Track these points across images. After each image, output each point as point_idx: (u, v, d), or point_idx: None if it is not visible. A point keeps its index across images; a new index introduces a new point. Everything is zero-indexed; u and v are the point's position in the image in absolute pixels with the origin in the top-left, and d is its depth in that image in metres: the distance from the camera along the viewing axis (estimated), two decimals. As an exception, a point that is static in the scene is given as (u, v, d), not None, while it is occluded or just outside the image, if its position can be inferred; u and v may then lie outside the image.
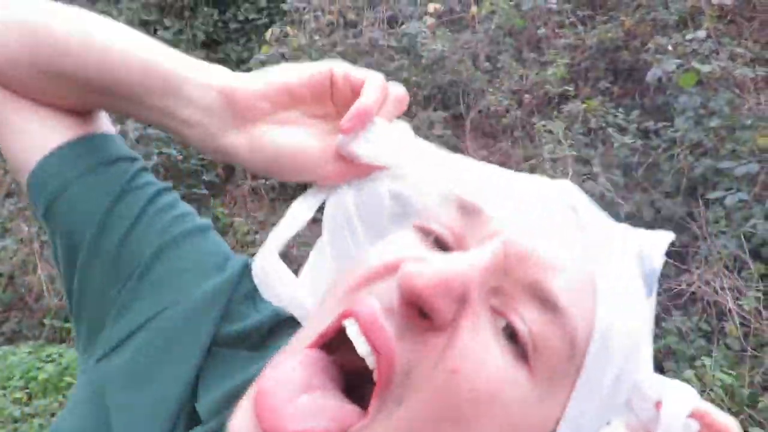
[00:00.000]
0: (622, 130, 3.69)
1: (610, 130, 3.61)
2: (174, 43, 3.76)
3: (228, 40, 6.39)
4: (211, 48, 6.34)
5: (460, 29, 5.17)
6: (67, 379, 3.39)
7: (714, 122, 3.16)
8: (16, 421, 3.01)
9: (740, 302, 2.67)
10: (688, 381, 2.33)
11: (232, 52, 6.29)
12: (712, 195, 2.98)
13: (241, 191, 4.85)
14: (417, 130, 2.71)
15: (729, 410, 2.42)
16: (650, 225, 3.23)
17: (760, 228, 2.68)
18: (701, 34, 3.27)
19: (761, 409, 2.40)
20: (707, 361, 2.52)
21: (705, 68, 3.13)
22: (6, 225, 4.73)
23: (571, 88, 3.88)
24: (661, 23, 4.02)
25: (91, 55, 0.55)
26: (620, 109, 3.87)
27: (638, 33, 4.20)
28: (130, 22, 6.13)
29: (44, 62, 0.56)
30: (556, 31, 4.42)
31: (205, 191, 4.73)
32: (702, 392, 2.45)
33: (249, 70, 3.42)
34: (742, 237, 2.80)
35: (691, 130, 3.39)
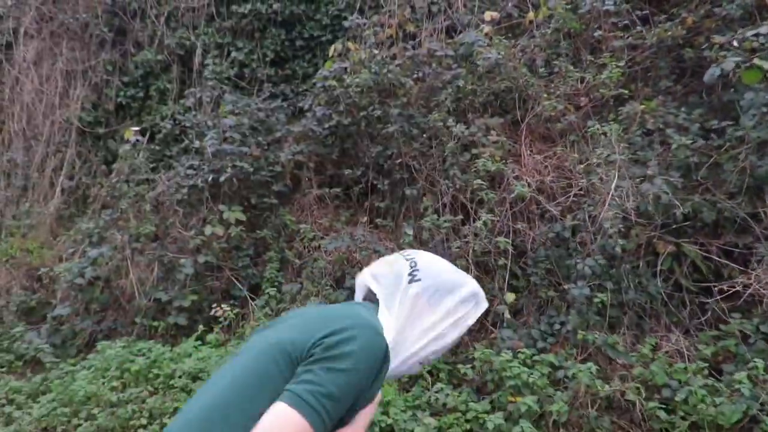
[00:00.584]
0: (683, 130, 3.63)
1: (669, 130, 3.56)
2: (245, 63, 4.14)
3: (294, 57, 6.75)
4: (278, 65, 6.72)
5: (517, 35, 5.23)
6: (155, 371, 3.77)
7: (777, 120, 3.06)
8: (113, 405, 3.39)
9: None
10: (739, 382, 2.32)
11: (298, 68, 6.64)
12: (772, 194, 2.90)
13: (308, 200, 5.13)
14: (473, 135, 2.88)
15: (788, 413, 2.37)
16: (711, 227, 3.21)
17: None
18: (764, 29, 3.17)
19: (822, 412, 2.33)
20: (760, 363, 2.47)
21: (767, 65, 3.05)
22: (103, 234, 5.26)
23: (626, 91, 3.84)
24: (727, 18, 3.91)
25: None
26: (682, 109, 3.79)
27: (702, 29, 4.10)
28: (205, 46, 6.63)
29: None
30: (614, 32, 4.38)
31: (274, 200, 5.05)
32: (751, 391, 2.42)
33: (314, 84, 3.73)
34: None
35: (757, 127, 3.29)
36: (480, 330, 3.67)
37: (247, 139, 5.29)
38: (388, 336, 1.15)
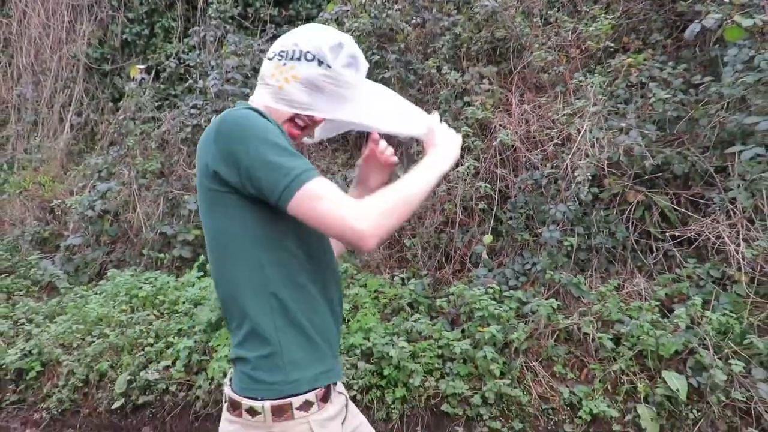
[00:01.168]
0: (666, 84, 3.74)
1: (651, 84, 3.67)
2: (249, 2, 4.30)
3: (299, -2, 6.76)
4: (282, 5, 6.73)
5: (517, -17, 5.22)
6: (161, 297, 4.10)
7: (750, 77, 3.18)
8: (123, 325, 3.74)
9: (751, 252, 2.81)
10: (679, 317, 2.59)
11: (302, 8, 6.66)
12: (731, 150, 3.07)
13: (306, 142, 5.31)
14: (467, 83, 3.08)
15: (718, 346, 2.65)
16: (681, 178, 3.40)
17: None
18: (748, -14, 3.24)
19: (746, 345, 2.61)
20: (698, 300, 2.73)
21: (746, 22, 3.13)
22: (111, 170, 5.51)
23: (612, 44, 3.93)
24: (720, -28, 3.92)
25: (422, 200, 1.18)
26: (669, 63, 3.88)
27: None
28: (209, -17, 6.62)
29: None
30: (611, -18, 4.40)
31: (281, 141, 5.24)
32: (689, 328, 2.69)
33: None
34: (759, 190, 2.91)
35: (734, 84, 3.41)
36: (461, 269, 3.96)
37: (249, 80, 5.43)
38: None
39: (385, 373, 2.98)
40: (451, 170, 2.58)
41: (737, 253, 2.88)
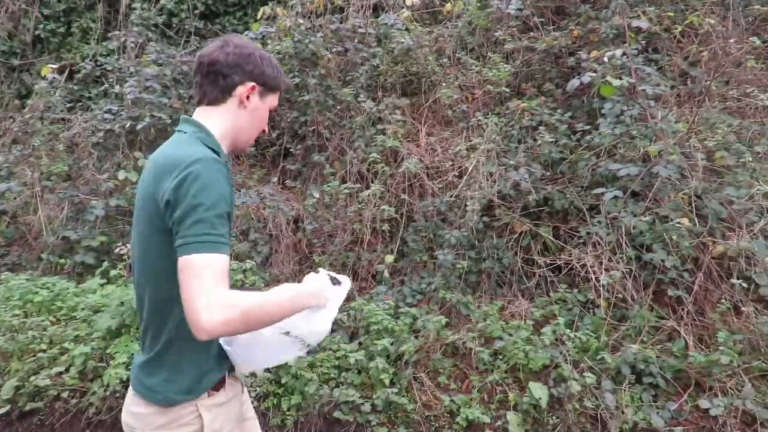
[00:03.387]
0: (554, 129, 4.22)
1: (541, 128, 4.13)
2: (174, 12, 4.39)
3: (225, 13, 6.85)
4: (209, 19, 6.79)
5: (439, 21, 5.65)
6: (58, 303, 4.00)
7: (618, 130, 3.69)
8: (14, 330, 3.62)
9: (609, 279, 3.26)
10: (546, 334, 2.95)
11: (228, 24, 6.75)
12: (597, 191, 3.55)
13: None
14: (381, 112, 3.37)
15: (577, 361, 3.05)
16: (561, 213, 3.83)
17: (626, 221, 3.26)
18: (618, 52, 3.77)
19: (599, 360, 3.02)
20: (561, 321, 3.13)
21: (616, 82, 3.65)
22: (12, 169, 5.28)
23: (507, 90, 4.38)
24: (603, 36, 4.50)
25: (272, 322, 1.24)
26: (558, 110, 4.38)
27: (587, 42, 4.69)
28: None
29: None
30: (514, 34, 4.90)
31: (190, 153, 5.26)
32: (555, 345, 3.08)
33: None
34: (620, 227, 3.38)
35: (608, 135, 3.92)
36: (366, 287, 4.19)
37: (169, 91, 5.44)
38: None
39: (283, 381, 3.12)
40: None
41: (598, 281, 3.31)
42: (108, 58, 6.08)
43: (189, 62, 5.83)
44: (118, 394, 3.26)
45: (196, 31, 6.59)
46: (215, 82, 1.35)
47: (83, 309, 3.85)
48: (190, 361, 1.34)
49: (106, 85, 5.70)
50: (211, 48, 1.37)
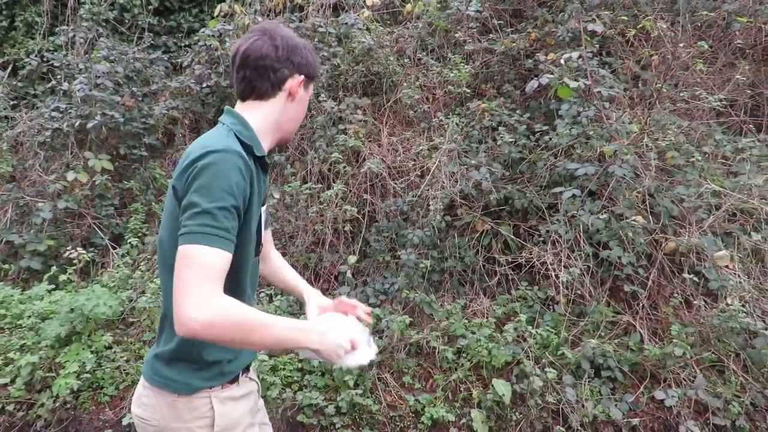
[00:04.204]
0: (514, 130, 4.29)
1: (500, 128, 4.19)
2: (127, 7, 4.21)
3: (180, 9, 6.66)
4: (163, 15, 6.59)
5: (395, 24, 5.66)
6: (2, 311, 3.79)
7: (575, 130, 3.78)
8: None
9: (567, 276, 3.32)
10: (508, 331, 2.99)
11: (184, 21, 6.57)
12: (555, 190, 3.62)
13: (180, 155, 5.24)
14: (342, 112, 3.33)
15: (538, 357, 3.09)
16: (521, 212, 3.89)
17: (584, 219, 3.34)
18: (575, 54, 3.86)
19: (559, 356, 3.08)
20: (523, 317, 3.18)
21: (573, 84, 3.73)
22: (-50, 169, 4.97)
23: (468, 90, 4.43)
24: (559, 39, 4.61)
25: (251, 347, 1.17)
26: (517, 111, 4.45)
27: (544, 45, 4.78)
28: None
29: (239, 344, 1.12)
30: (474, 36, 4.95)
31: (144, 153, 5.10)
32: (517, 341, 3.12)
33: (198, 41, 3.95)
34: (578, 225, 3.46)
35: (565, 135, 4.01)
36: (329, 288, 4.14)
37: (121, 88, 5.25)
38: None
39: (244, 386, 3.04)
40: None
41: (557, 278, 3.38)
42: (55, 53, 5.82)
43: (142, 59, 5.65)
44: (68, 405, 3.12)
45: (149, 28, 6.39)
46: (265, 77, 1.31)
47: (29, 317, 3.66)
48: (210, 352, 1.32)
49: (54, 82, 5.45)
50: (256, 40, 1.31)
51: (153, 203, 4.86)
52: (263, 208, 1.42)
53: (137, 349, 3.40)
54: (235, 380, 1.40)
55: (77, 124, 4.81)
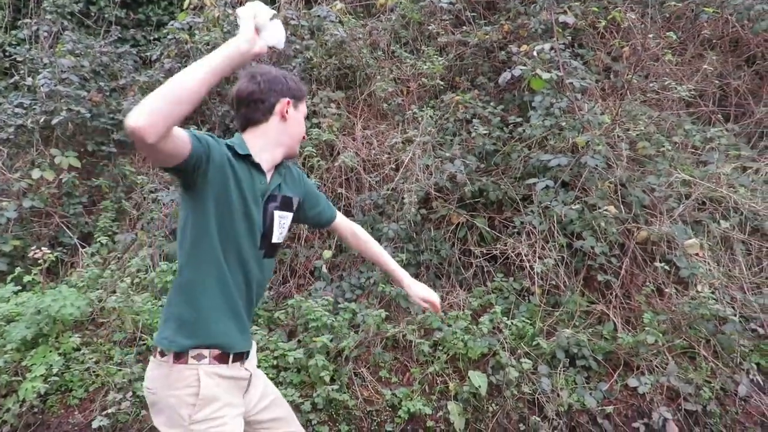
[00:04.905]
0: (488, 122, 4.28)
1: (475, 120, 4.18)
2: (92, 1, 4.05)
3: (149, 2, 6.50)
4: (131, 7, 6.42)
5: (368, 16, 5.61)
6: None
7: (548, 122, 3.79)
8: None
9: (542, 266, 3.34)
10: (484, 323, 2.99)
11: (153, 14, 6.42)
12: (529, 181, 3.63)
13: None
14: (316, 106, 3.26)
15: (514, 348, 3.11)
16: (496, 204, 3.89)
17: (557, 210, 3.36)
18: (547, 46, 3.87)
19: (534, 346, 3.10)
20: (498, 309, 3.18)
21: (545, 75, 3.74)
22: None
23: (441, 82, 4.42)
24: (531, 31, 4.62)
25: (195, 95, 1.24)
26: (491, 103, 4.45)
27: (517, 37, 4.79)
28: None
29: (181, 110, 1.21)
30: (447, 28, 4.94)
31: (113, 149, 4.98)
32: (493, 333, 3.13)
33: (167, 34, 3.84)
34: (552, 216, 3.47)
35: (538, 126, 4.02)
36: (305, 283, 4.10)
37: (88, 83, 5.11)
38: None
39: (218, 385, 2.99)
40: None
41: (532, 269, 3.39)
42: (18, 48, 5.64)
43: (109, 53, 5.51)
44: (35, 410, 3.03)
45: (117, 21, 6.22)
46: (256, 108, 1.59)
47: (-6, 319, 3.54)
48: (200, 302, 1.50)
49: (17, 77, 5.28)
50: (243, 83, 1.61)
51: (123, 200, 4.75)
52: (277, 212, 1.64)
53: (107, 350, 3.32)
54: (225, 360, 1.53)
55: (42, 120, 4.66)
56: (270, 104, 1.59)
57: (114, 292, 3.70)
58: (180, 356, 1.49)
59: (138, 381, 3.06)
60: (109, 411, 2.94)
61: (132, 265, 4.00)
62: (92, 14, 6.26)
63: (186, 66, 4.00)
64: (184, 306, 1.51)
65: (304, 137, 1.73)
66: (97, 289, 3.83)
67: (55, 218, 4.67)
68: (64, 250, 4.45)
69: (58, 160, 4.63)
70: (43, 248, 3.70)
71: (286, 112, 1.61)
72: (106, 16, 6.23)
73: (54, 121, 4.55)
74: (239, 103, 1.60)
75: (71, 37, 5.41)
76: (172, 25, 5.20)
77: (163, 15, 6.43)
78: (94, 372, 3.18)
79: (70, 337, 3.29)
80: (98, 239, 4.38)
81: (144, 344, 3.36)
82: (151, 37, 6.25)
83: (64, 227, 4.63)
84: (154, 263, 4.10)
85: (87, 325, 3.58)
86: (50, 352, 3.20)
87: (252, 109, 1.59)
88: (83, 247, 4.47)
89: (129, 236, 4.44)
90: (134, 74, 5.39)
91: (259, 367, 1.85)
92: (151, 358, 1.56)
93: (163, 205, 4.51)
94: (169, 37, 5.22)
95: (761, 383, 3.05)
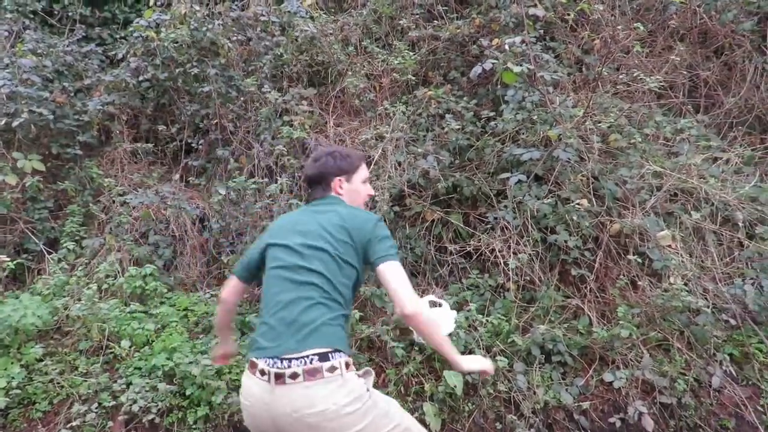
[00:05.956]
0: (460, 117, 4.24)
1: (447, 116, 4.14)
2: (57, -2, 3.83)
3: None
4: (96, 5, 6.24)
5: (339, 11, 5.53)
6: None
7: (520, 115, 3.76)
8: None
9: (516, 262, 3.31)
10: (459, 321, 2.95)
11: (119, 11, 6.25)
12: (502, 176, 3.60)
13: (119, 153, 4.99)
14: (287, 103, 3.15)
15: (489, 345, 3.08)
16: (471, 199, 3.85)
17: (531, 204, 3.34)
18: (518, 39, 3.84)
19: (510, 343, 3.07)
20: (473, 306, 3.15)
21: (516, 68, 3.71)
22: None
23: (413, 78, 4.36)
24: (503, 24, 4.58)
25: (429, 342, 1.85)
26: (464, 98, 4.41)
27: (488, 32, 4.75)
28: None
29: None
30: (419, 22, 4.88)
31: (79, 152, 4.83)
32: (468, 331, 3.09)
33: (133, 32, 3.71)
34: (526, 211, 3.45)
35: (511, 120, 3.99)
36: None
37: (51, 84, 4.95)
38: None
39: (188, 392, 2.91)
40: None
41: (507, 264, 3.37)
42: (-24, 48, 5.43)
43: (74, 52, 5.35)
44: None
45: (82, 19, 6.04)
46: (319, 186, 1.94)
47: (-46, 331, 3.40)
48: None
49: (-25, 79, 5.09)
50: (307, 167, 1.99)
51: (90, 204, 4.61)
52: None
53: (72, 359, 3.21)
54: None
55: (2, 122, 4.49)
56: (326, 183, 1.92)
57: (80, 299, 3.58)
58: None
59: (103, 392, 2.97)
60: (74, 423, 2.84)
61: (100, 270, 3.88)
62: (56, 12, 6.07)
63: (152, 64, 3.92)
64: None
65: (369, 196, 2.03)
66: (64, 296, 3.71)
67: (20, 224, 4.52)
68: (30, 257, 4.31)
69: (21, 164, 4.47)
70: (1, 256, 3.56)
71: (340, 187, 1.92)
72: (71, 14, 6.05)
73: (14, 124, 4.39)
74: (308, 183, 2.00)
75: (33, 36, 5.24)
76: (138, 22, 5.07)
77: (130, 12, 6.27)
78: (58, 383, 3.07)
79: (33, 347, 3.18)
80: (65, 245, 4.25)
81: (111, 353, 3.26)
82: (117, 36, 6.09)
83: (29, 233, 4.48)
84: (123, 268, 4.00)
85: (52, 335, 3.46)
86: (11, 363, 3.08)
87: (314, 187, 1.96)
88: (50, 253, 4.32)
89: (97, 241, 4.32)
90: (100, 74, 5.24)
91: None
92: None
93: (132, 208, 4.40)
94: (136, 35, 5.09)
95: (734, 374, 3.07)
